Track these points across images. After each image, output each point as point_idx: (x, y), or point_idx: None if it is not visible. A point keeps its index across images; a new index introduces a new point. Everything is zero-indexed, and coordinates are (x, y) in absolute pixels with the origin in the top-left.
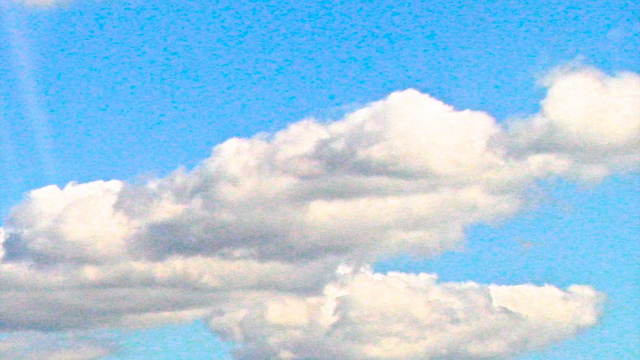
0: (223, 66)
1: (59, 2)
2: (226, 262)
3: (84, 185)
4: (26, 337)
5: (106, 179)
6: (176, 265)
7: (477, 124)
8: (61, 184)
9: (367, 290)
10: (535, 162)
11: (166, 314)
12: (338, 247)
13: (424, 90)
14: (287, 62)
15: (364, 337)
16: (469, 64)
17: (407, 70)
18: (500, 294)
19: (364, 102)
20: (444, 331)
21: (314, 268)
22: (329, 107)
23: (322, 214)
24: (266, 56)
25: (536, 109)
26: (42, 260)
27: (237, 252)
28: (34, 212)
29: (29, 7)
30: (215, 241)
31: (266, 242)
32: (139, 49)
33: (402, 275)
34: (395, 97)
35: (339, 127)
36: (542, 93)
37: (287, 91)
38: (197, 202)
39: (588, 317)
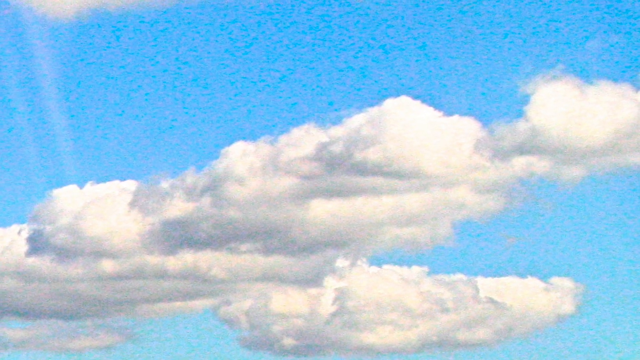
0: (230, 74)
1: (79, 16)
2: (233, 256)
3: (101, 185)
4: (48, 325)
5: (122, 179)
6: (187, 258)
7: (465, 128)
8: (81, 184)
9: (363, 282)
10: (519, 164)
11: (178, 304)
12: (337, 242)
13: (416, 97)
14: (290, 71)
15: (361, 325)
16: (457, 72)
17: (400, 79)
18: (487, 285)
19: (360, 108)
20: (434, 320)
21: (314, 261)
22: (328, 113)
23: (322, 211)
24: (270, 65)
25: (520, 114)
26: (63, 254)
27: (244, 247)
28: (56, 209)
29: (51, 20)
30: (223, 236)
31: (270, 237)
32: (152, 59)
33: (396, 268)
34: (389, 103)
35: (337, 131)
36: (525, 99)
37: (290, 98)
38: (206, 201)
39: (568, 307)
